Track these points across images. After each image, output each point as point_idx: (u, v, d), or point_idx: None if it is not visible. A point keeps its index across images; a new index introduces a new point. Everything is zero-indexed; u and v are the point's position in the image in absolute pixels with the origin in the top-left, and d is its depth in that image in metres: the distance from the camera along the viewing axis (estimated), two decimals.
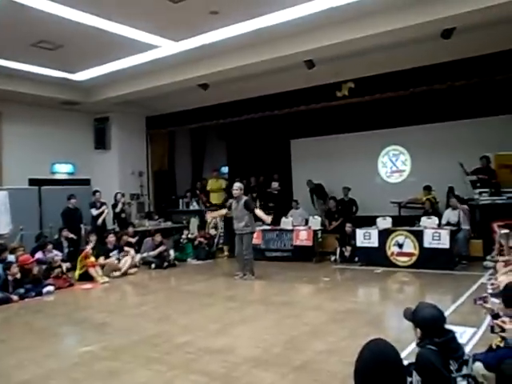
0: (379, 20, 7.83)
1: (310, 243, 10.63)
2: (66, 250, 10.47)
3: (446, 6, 7.31)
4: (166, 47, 9.23)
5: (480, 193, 9.94)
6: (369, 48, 8.84)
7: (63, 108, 12.60)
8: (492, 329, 3.17)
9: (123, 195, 12.41)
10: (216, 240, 12.77)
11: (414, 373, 2.64)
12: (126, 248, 10.49)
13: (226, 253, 12.22)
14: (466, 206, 9.81)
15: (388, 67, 9.91)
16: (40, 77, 10.69)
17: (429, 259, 9.11)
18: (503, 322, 3.10)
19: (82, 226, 11.39)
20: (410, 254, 9.38)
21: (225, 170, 16.36)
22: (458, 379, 2.56)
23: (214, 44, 8.96)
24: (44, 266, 9.02)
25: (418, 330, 2.81)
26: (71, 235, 10.76)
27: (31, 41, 8.61)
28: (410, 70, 9.85)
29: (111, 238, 10.29)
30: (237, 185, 9.26)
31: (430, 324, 2.75)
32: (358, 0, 7.26)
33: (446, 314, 5.71)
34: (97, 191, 11.90)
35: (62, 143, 12.75)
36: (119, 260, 10.06)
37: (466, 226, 9.65)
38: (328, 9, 7.53)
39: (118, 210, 12.10)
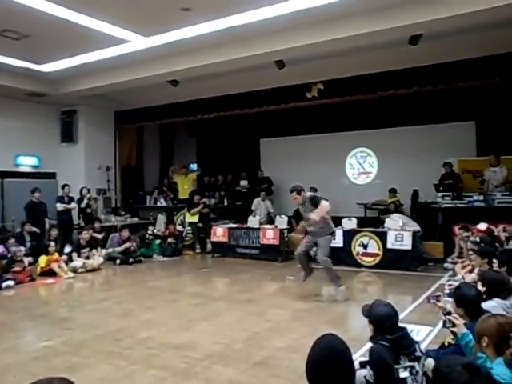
0: (349, 24, 7.95)
1: (276, 242, 10.70)
2: (28, 244, 10.27)
3: (413, 13, 7.47)
4: (135, 42, 9.13)
5: (442, 196, 10.16)
6: (338, 51, 8.96)
7: (29, 100, 12.33)
8: (444, 323, 3.31)
9: (89, 190, 12.23)
10: (183, 236, 12.76)
11: (368, 367, 2.72)
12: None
13: (197, 250, 12.23)
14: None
15: (357, 70, 10.04)
16: (4, 66, 10.38)
17: (392, 260, 9.30)
18: (455, 317, 3.23)
19: (46, 220, 11.19)
20: (374, 255, 9.57)
21: (194, 167, 16.31)
22: (400, 370, 2.66)
23: (185, 41, 8.92)
24: (5, 261, 8.84)
25: (371, 326, 2.91)
26: (34, 229, 10.55)
27: None
28: (379, 73, 10.01)
29: (85, 235, 10.17)
30: (292, 194, 7.36)
31: (382, 321, 2.85)
32: (329, 3, 7.35)
33: (405, 313, 5.94)
34: (66, 185, 11.67)
35: (26, 135, 12.48)
36: (88, 258, 9.98)
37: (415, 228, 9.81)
38: (299, 10, 7.60)
39: (83, 205, 11.90)
